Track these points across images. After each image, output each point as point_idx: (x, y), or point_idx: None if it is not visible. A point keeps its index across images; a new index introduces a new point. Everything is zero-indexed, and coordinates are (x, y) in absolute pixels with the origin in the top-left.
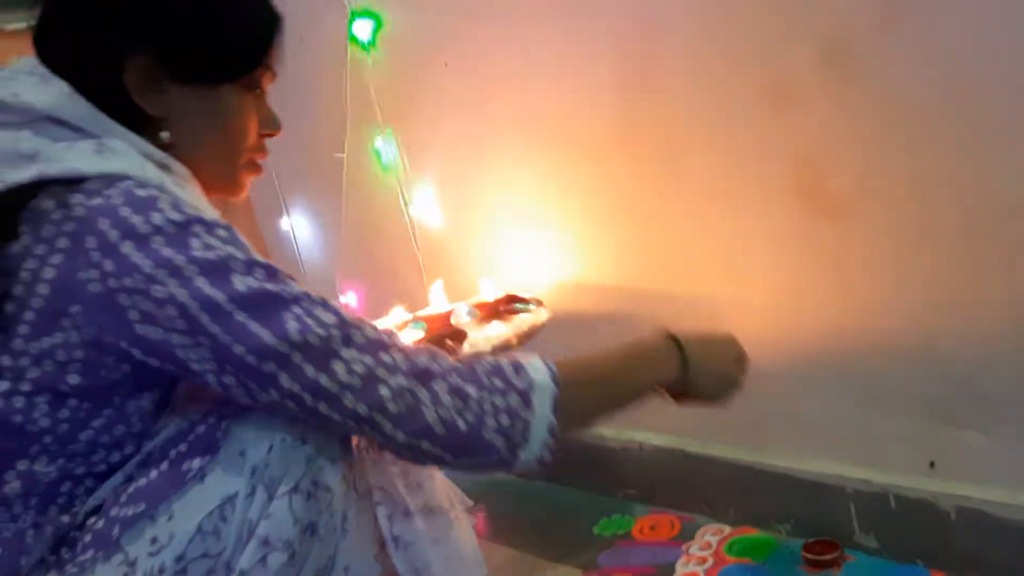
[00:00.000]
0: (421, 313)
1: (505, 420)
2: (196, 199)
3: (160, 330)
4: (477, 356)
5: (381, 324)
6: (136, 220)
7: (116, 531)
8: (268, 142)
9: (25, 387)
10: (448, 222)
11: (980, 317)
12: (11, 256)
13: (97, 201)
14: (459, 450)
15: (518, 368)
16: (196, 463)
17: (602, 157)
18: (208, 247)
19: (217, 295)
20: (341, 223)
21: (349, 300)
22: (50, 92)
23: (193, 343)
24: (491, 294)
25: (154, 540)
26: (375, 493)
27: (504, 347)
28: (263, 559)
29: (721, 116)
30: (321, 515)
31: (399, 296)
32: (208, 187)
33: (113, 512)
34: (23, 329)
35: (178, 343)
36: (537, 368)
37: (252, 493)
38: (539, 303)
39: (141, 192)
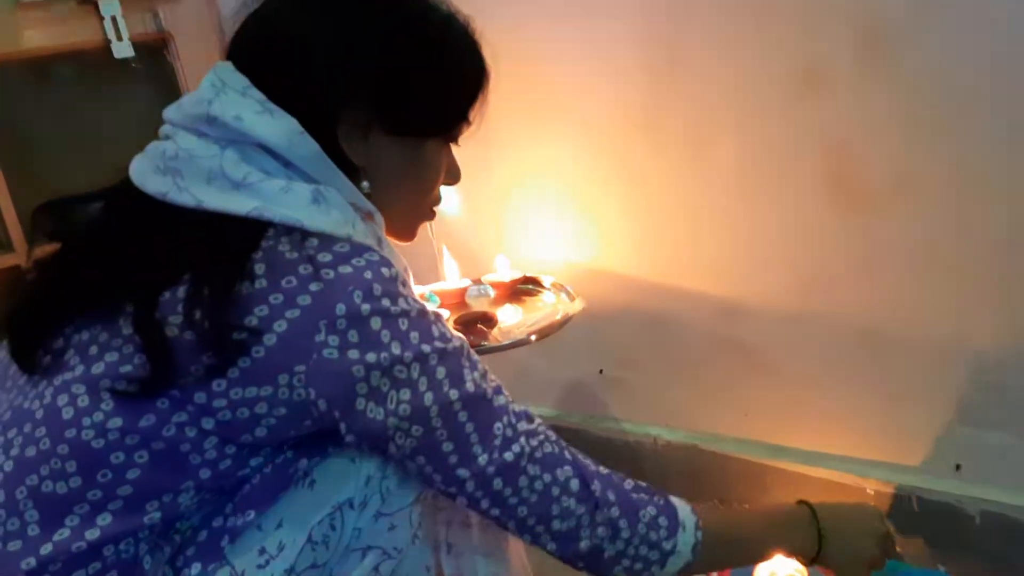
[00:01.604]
0: (435, 287)
1: (639, 567)
2: (392, 253)
3: (382, 411)
4: (639, 487)
5: None
6: (386, 300)
7: (225, 542)
8: None
9: (207, 425)
10: (462, 197)
11: (1017, 315)
12: (242, 296)
13: (348, 270)
14: (589, 566)
15: (672, 530)
16: (303, 464)
17: (625, 142)
18: (446, 338)
19: (451, 393)
20: None
21: None
22: (279, 127)
23: (407, 428)
24: (507, 274)
25: (262, 551)
26: (440, 498)
27: (540, 335)
28: (376, 568)
29: (750, 102)
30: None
31: (408, 269)
32: (387, 232)
33: (217, 522)
34: (233, 372)
35: (392, 425)
36: (686, 540)
37: (365, 503)
38: (559, 287)
39: (386, 271)
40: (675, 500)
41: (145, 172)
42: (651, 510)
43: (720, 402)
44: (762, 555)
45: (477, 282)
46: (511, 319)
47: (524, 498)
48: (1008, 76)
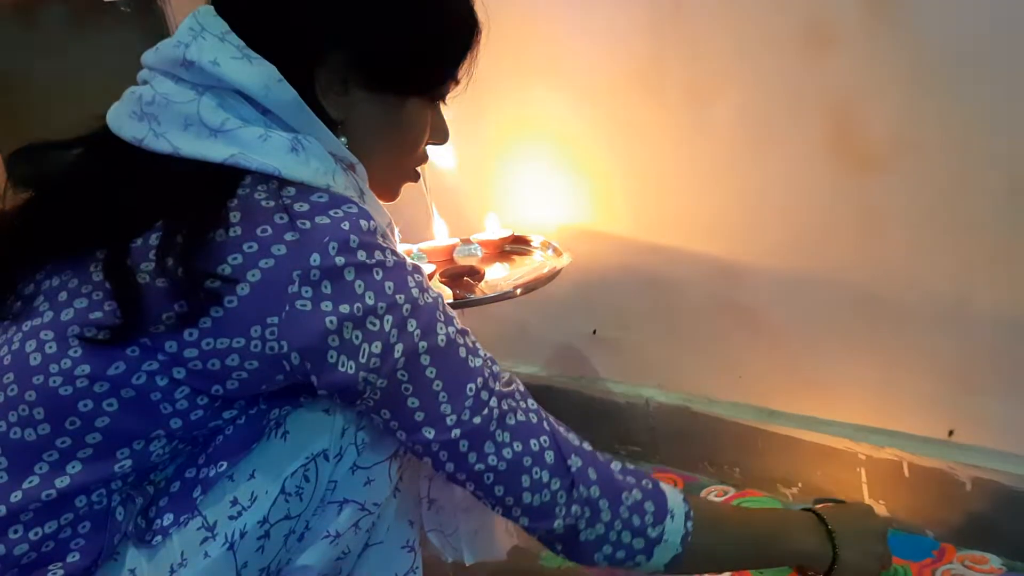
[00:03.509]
0: (423, 246)
1: (621, 555)
2: (375, 206)
3: (354, 364)
4: (626, 470)
5: None
6: (362, 253)
7: (197, 492)
8: None
9: (178, 374)
10: (455, 153)
11: (1016, 281)
12: (216, 244)
13: (325, 220)
14: (568, 551)
15: (659, 517)
16: (276, 414)
17: (625, 97)
18: (422, 288)
19: (420, 344)
20: None
21: None
22: (257, 73)
23: (375, 381)
24: (496, 233)
25: (234, 502)
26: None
27: (525, 288)
28: (356, 524)
29: (752, 58)
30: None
31: (393, 225)
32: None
33: (190, 473)
34: (205, 322)
35: (363, 379)
36: (675, 529)
37: (340, 455)
38: (547, 245)
39: (364, 224)
40: (665, 487)
41: (121, 117)
42: (636, 494)
43: (714, 364)
44: (769, 558)
45: (466, 241)
46: (498, 274)
47: (492, 466)
48: (1016, 37)
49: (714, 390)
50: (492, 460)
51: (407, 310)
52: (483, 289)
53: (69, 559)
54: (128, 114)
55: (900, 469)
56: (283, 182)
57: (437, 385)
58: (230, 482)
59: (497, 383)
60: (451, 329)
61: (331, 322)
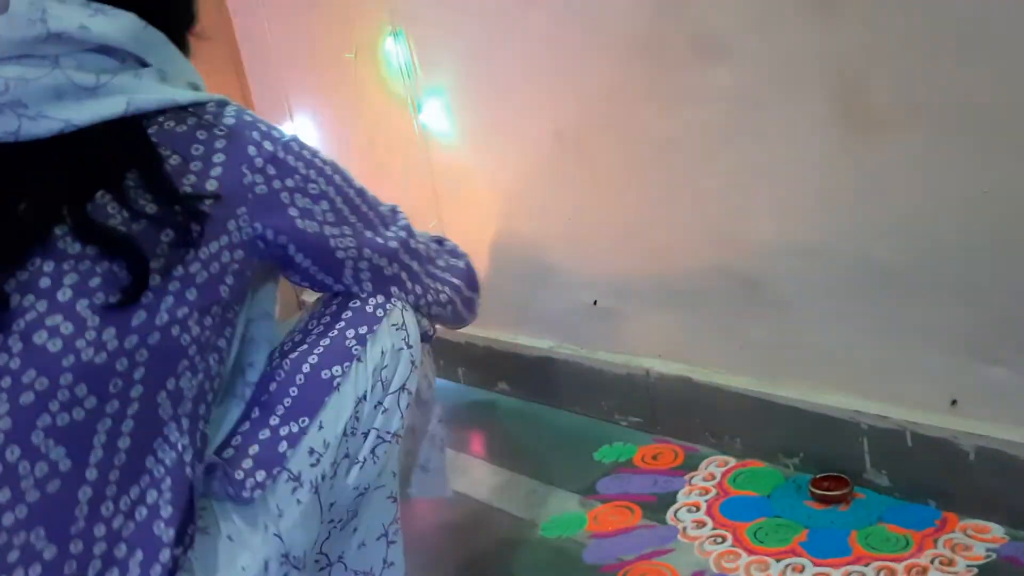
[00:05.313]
0: None
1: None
2: None
3: (316, 224)
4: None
5: None
6: (275, 133)
7: (283, 447)
8: (277, 42)
9: (190, 295)
10: (460, 134)
11: (1022, 250)
12: (167, 175)
13: (232, 120)
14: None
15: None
16: (336, 372)
17: (624, 61)
18: (316, 151)
19: (350, 190)
20: (348, 129)
21: None
22: (122, 24)
23: (340, 233)
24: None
25: (311, 451)
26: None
27: None
28: (373, 450)
29: (754, 17)
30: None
31: (406, 211)
32: None
33: (266, 433)
34: (195, 237)
35: (330, 234)
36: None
37: (373, 392)
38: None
39: (251, 112)
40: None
41: None
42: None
43: (715, 334)
44: None
45: None
46: None
47: (420, 253)
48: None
49: (715, 360)
50: (416, 246)
51: (330, 169)
52: None
53: (164, 515)
54: None
55: (903, 439)
56: (179, 107)
57: (371, 214)
58: (305, 436)
59: (394, 207)
60: (351, 175)
61: (285, 196)
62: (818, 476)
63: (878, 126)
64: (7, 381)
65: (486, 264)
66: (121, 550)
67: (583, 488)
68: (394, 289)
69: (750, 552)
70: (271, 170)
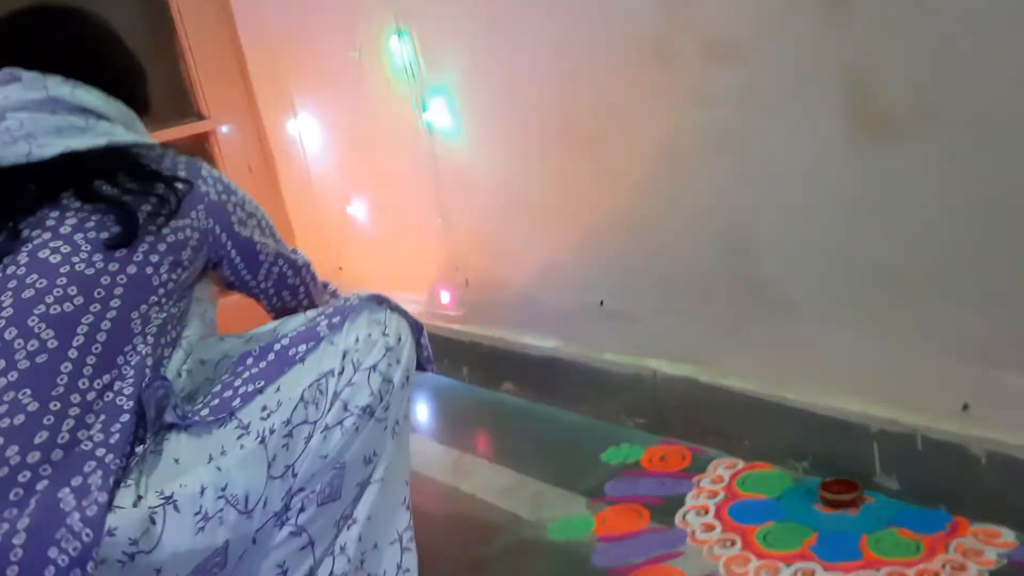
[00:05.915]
0: None
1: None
2: None
3: (248, 230)
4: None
5: None
6: (215, 170)
7: (237, 403)
8: (281, 41)
9: (161, 247)
10: (465, 132)
11: None
12: (150, 166)
13: (183, 156)
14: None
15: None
16: (301, 348)
17: (631, 56)
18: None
19: (269, 219)
20: (352, 128)
21: (356, 210)
22: (97, 97)
23: (263, 241)
24: None
25: (264, 407)
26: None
27: None
28: (340, 422)
29: (764, 18)
30: (382, 401)
31: (411, 208)
32: None
33: (229, 392)
34: (170, 208)
35: (259, 239)
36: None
37: (343, 371)
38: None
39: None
40: None
41: None
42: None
43: (722, 335)
44: None
45: None
46: None
47: (308, 276)
48: None
49: (722, 361)
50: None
51: (254, 201)
52: None
53: (127, 404)
54: (2, 145)
55: (914, 443)
56: (148, 147)
57: (277, 236)
58: (260, 395)
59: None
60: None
61: (230, 206)
62: (827, 480)
63: (891, 129)
64: (14, 283)
65: (491, 263)
66: (91, 417)
67: (590, 490)
68: (286, 294)
69: (760, 556)
70: (219, 187)
